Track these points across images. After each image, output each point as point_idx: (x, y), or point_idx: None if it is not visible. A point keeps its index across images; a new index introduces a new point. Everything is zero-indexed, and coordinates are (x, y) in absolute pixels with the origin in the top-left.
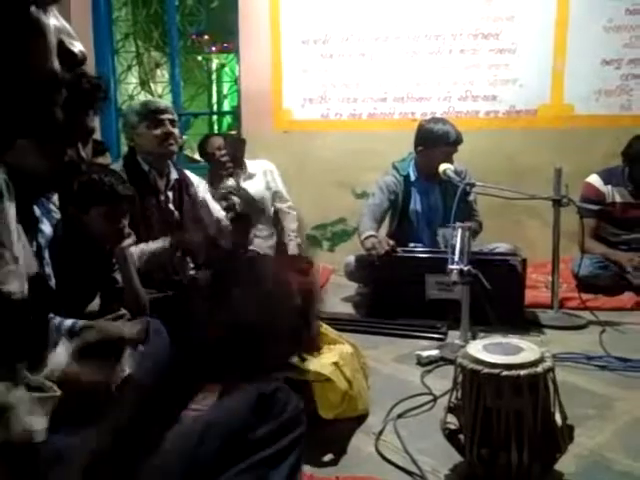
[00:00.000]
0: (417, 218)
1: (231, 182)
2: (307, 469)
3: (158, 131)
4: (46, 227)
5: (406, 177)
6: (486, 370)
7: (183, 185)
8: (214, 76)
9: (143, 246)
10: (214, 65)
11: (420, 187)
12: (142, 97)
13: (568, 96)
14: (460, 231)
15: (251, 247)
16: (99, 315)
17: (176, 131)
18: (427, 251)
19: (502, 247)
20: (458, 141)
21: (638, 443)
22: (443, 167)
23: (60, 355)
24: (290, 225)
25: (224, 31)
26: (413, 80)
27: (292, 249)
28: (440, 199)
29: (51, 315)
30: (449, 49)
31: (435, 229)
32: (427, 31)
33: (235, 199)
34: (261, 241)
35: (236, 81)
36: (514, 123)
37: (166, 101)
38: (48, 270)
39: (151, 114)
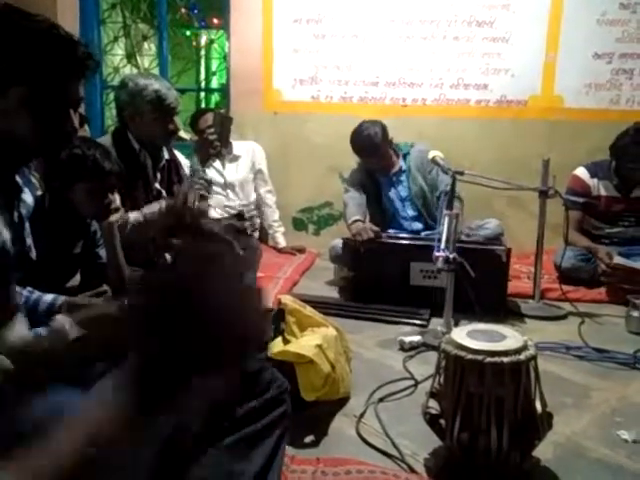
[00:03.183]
0: (392, 206)
1: (217, 164)
2: (289, 450)
3: (166, 127)
4: (28, 197)
5: (369, 170)
6: (470, 356)
7: (173, 166)
8: (203, 52)
9: (137, 213)
10: (203, 41)
11: (384, 178)
12: (128, 70)
13: (558, 88)
14: (447, 219)
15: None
16: (79, 291)
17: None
18: (412, 238)
19: (492, 222)
20: (364, 153)
21: (613, 432)
22: (432, 154)
23: (20, 327)
24: (272, 216)
25: (214, 6)
26: (405, 65)
27: (280, 241)
28: (406, 187)
29: (30, 289)
30: (443, 35)
31: (408, 215)
32: (421, 15)
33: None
34: (247, 223)
35: (225, 58)
36: (504, 113)
37: (176, 93)
38: (29, 241)
39: (165, 109)
